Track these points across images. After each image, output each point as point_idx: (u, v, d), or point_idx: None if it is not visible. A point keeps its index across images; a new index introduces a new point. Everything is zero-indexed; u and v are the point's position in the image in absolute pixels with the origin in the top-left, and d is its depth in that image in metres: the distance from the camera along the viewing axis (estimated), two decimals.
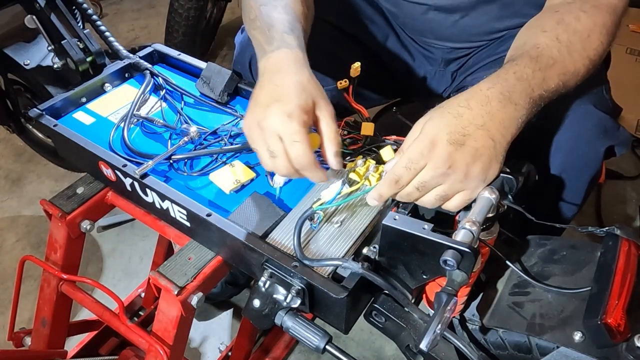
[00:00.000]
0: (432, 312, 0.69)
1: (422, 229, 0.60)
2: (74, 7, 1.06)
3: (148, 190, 0.79)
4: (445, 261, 0.57)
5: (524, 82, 0.64)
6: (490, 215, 0.62)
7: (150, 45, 1.06)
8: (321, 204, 0.70)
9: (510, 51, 0.73)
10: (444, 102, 0.65)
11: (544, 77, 0.66)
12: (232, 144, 0.87)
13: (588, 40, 0.69)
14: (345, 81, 0.78)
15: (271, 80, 0.69)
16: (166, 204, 0.78)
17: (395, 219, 0.62)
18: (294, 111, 0.65)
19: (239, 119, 0.91)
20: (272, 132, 0.65)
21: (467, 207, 0.65)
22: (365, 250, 0.69)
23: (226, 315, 1.41)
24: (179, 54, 1.04)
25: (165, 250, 1.28)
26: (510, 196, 0.66)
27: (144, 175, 0.79)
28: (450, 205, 0.65)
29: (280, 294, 0.67)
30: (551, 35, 0.69)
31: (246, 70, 1.01)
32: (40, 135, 1.79)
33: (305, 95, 0.67)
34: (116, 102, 0.96)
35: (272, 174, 0.81)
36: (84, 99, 0.95)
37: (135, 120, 0.91)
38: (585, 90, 0.73)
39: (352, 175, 0.74)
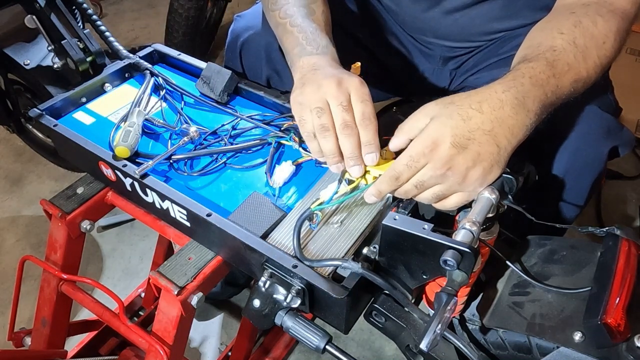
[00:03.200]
0: (432, 312, 0.69)
1: (422, 229, 0.60)
2: (74, 7, 1.06)
3: (148, 190, 0.79)
4: (445, 261, 0.57)
5: (538, 87, 0.63)
6: (490, 215, 0.62)
7: (150, 45, 1.06)
8: (319, 204, 0.70)
9: (524, 50, 0.71)
10: (456, 98, 0.63)
11: (557, 84, 0.65)
12: (232, 144, 0.87)
13: (603, 47, 0.68)
14: None
15: (324, 68, 0.73)
16: (166, 204, 0.78)
17: (395, 219, 0.62)
18: (364, 82, 0.70)
19: (238, 119, 0.91)
20: (344, 89, 0.69)
21: (467, 207, 0.65)
22: (365, 250, 0.69)
23: (226, 315, 1.41)
24: (179, 54, 1.04)
25: (165, 250, 1.28)
26: (510, 196, 0.66)
27: (144, 175, 0.79)
28: (447, 204, 0.65)
29: (280, 294, 0.67)
30: (568, 39, 0.67)
31: (237, 58, 1.01)
32: (40, 135, 1.79)
33: None
34: (116, 102, 0.96)
35: (272, 173, 0.81)
36: (84, 99, 0.95)
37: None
38: (590, 91, 0.73)
39: (349, 175, 0.74)
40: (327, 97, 0.68)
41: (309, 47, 0.77)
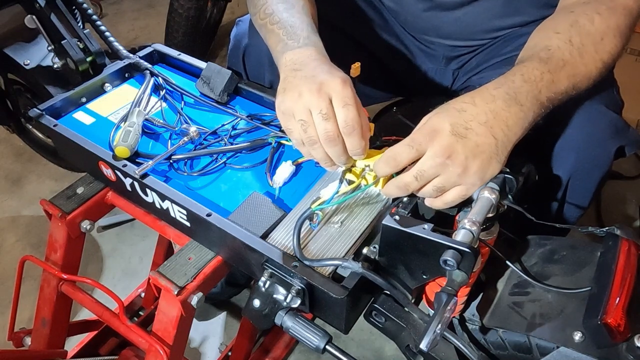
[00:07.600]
0: (432, 312, 0.69)
1: (422, 229, 0.60)
2: (74, 7, 1.06)
3: (148, 190, 0.79)
4: (445, 261, 0.57)
5: (531, 83, 0.65)
6: (490, 215, 0.62)
7: (150, 45, 1.06)
8: (320, 204, 0.70)
9: (522, 52, 0.73)
10: (451, 100, 0.65)
11: (553, 79, 0.66)
12: (232, 144, 0.87)
13: (601, 43, 0.69)
14: None
15: (305, 66, 0.71)
16: (166, 204, 0.78)
17: (395, 219, 0.62)
18: (347, 79, 0.68)
19: (238, 119, 0.91)
20: (325, 95, 0.66)
21: (467, 207, 0.65)
22: (365, 250, 0.69)
23: (226, 315, 1.41)
24: (179, 54, 1.04)
25: (165, 250, 1.28)
26: (510, 196, 0.66)
27: (144, 175, 0.79)
28: (447, 198, 0.64)
29: (280, 294, 0.67)
30: (564, 37, 0.69)
31: (239, 64, 1.01)
32: (40, 135, 1.79)
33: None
34: (116, 102, 0.96)
35: (272, 173, 0.81)
36: (84, 99, 0.96)
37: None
38: (596, 90, 0.74)
39: (349, 175, 0.74)
40: (308, 105, 0.67)
41: (290, 42, 0.76)
